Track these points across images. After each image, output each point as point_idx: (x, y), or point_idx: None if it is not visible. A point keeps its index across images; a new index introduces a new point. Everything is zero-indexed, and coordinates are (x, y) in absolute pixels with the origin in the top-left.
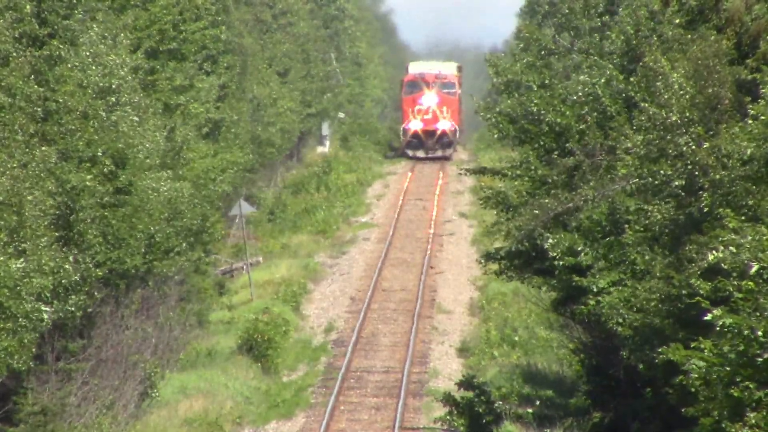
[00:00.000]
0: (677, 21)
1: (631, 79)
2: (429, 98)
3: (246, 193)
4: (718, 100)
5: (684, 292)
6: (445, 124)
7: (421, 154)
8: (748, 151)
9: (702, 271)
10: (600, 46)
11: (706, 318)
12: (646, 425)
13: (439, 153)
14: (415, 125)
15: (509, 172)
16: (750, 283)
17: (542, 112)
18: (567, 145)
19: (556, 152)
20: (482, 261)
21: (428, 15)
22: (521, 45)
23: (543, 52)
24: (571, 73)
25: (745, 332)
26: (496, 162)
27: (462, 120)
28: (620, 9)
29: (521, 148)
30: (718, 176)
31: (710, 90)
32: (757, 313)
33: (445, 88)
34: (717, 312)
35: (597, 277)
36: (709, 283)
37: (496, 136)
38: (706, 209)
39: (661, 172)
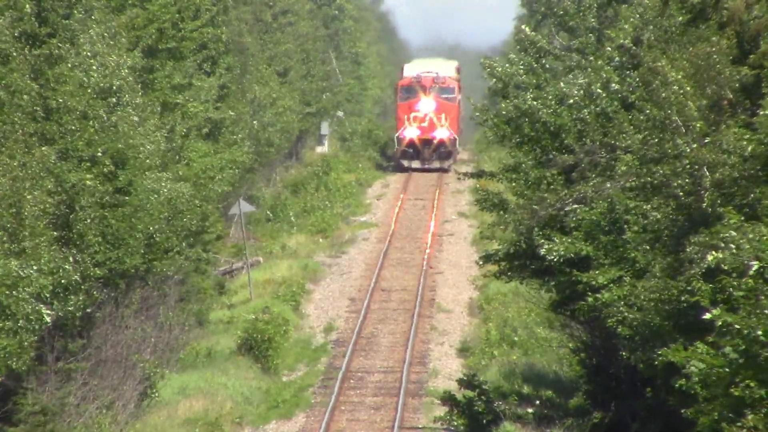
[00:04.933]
0: (680, 18)
1: (628, 80)
2: (426, 104)
3: (245, 193)
4: (719, 100)
5: (683, 297)
6: (443, 133)
7: (416, 165)
8: (749, 149)
9: (702, 272)
10: (596, 46)
11: (705, 317)
12: (646, 425)
13: (436, 164)
14: (410, 133)
15: (504, 175)
16: (750, 281)
17: (538, 112)
18: (565, 142)
19: (553, 152)
20: (481, 262)
21: (427, 15)
22: (518, 47)
23: (539, 55)
24: (568, 74)
25: (745, 332)
26: (497, 161)
27: (461, 127)
28: (624, 6)
29: (518, 149)
30: (718, 174)
31: (710, 89)
32: (758, 311)
33: (444, 93)
34: (716, 311)
35: (597, 272)
36: (710, 285)
37: (490, 137)
38: (708, 209)
39: (660, 171)
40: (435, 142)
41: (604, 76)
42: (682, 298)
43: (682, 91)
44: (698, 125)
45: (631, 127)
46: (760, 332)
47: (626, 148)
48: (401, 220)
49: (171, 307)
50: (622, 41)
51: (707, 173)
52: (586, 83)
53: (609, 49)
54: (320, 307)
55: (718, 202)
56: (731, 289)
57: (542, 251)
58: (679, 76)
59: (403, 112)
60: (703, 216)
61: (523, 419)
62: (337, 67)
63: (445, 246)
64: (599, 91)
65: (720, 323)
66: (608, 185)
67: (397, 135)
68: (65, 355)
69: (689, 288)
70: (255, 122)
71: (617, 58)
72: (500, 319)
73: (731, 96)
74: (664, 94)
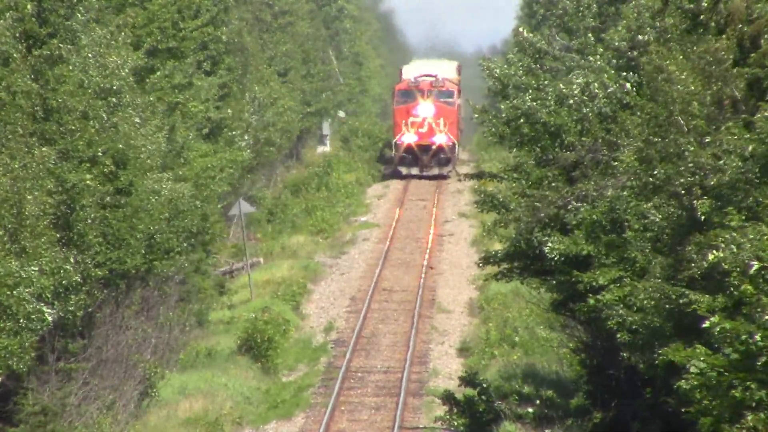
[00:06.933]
0: (682, 18)
1: (627, 82)
2: (424, 109)
3: (246, 193)
4: (723, 98)
5: (681, 300)
6: (442, 138)
7: (415, 171)
8: (750, 148)
9: (702, 272)
10: (595, 47)
11: (704, 325)
12: (646, 425)
13: (435, 171)
14: (408, 139)
15: (506, 175)
16: (749, 286)
17: (537, 112)
18: (566, 141)
19: (554, 152)
20: (481, 264)
21: (427, 14)
22: (516, 48)
23: (537, 55)
24: (568, 74)
25: (743, 337)
26: (497, 161)
27: (462, 128)
28: (622, 6)
29: (518, 150)
30: (716, 180)
31: (716, 86)
32: (759, 309)
33: (443, 97)
34: (715, 319)
35: (597, 273)
36: (706, 296)
37: (489, 138)
38: (703, 217)
39: (662, 171)
40: (434, 147)
41: (605, 76)
42: (681, 301)
43: (686, 90)
44: (700, 123)
45: (633, 126)
46: (758, 337)
47: (628, 146)
48: (402, 221)
49: (171, 308)
50: (617, 43)
51: (709, 175)
52: (584, 83)
53: (601, 50)
54: (320, 307)
55: (717, 206)
56: (732, 288)
57: (546, 249)
58: (683, 76)
59: (401, 116)
60: (701, 221)
61: (523, 419)
62: (338, 67)
63: (446, 246)
64: (597, 91)
65: (718, 330)
66: (609, 183)
67: (394, 140)
68: (66, 355)
69: (686, 296)
70: (254, 117)
71: (614, 61)
72: (500, 319)
73: (737, 94)
74: (668, 93)
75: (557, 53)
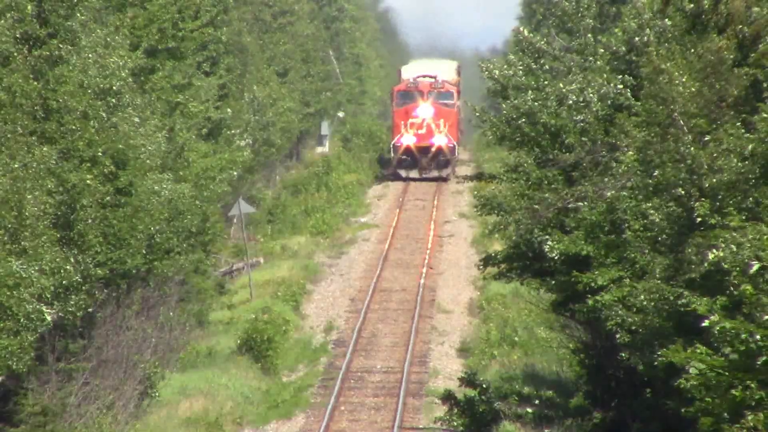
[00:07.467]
0: (681, 18)
1: (620, 86)
2: (423, 110)
3: (245, 194)
4: (724, 97)
5: (680, 301)
6: (441, 140)
7: (414, 174)
8: (750, 147)
9: (702, 273)
10: (594, 47)
11: (704, 324)
12: (646, 425)
13: (434, 173)
14: (407, 140)
15: (505, 176)
16: (749, 286)
17: (538, 113)
18: (566, 141)
19: (554, 152)
20: (481, 266)
21: (427, 15)
22: (516, 47)
23: (537, 56)
24: (568, 74)
25: (743, 336)
26: (497, 161)
27: (462, 129)
28: (622, 6)
29: (518, 150)
30: (714, 181)
31: (719, 85)
32: (759, 309)
33: (442, 98)
34: (714, 318)
35: (596, 273)
36: (705, 298)
37: (489, 137)
38: (699, 219)
39: (661, 174)
40: (433, 149)
41: (605, 75)
42: (680, 302)
43: (686, 90)
44: (701, 122)
45: (633, 126)
46: (758, 336)
47: (627, 147)
48: (401, 221)
49: (171, 308)
50: (614, 47)
51: (708, 175)
52: (578, 89)
53: (601, 51)
54: (320, 307)
55: (716, 205)
56: (731, 288)
57: (545, 248)
58: (684, 79)
59: (400, 118)
60: (700, 223)
61: (523, 419)
62: (338, 67)
63: (446, 246)
64: (592, 95)
65: (718, 329)
66: (609, 181)
67: (393, 142)
68: (66, 355)
69: (685, 296)
70: (254, 117)
71: (613, 62)
72: (500, 320)
73: (737, 93)
74: (668, 93)
75: (557, 53)
